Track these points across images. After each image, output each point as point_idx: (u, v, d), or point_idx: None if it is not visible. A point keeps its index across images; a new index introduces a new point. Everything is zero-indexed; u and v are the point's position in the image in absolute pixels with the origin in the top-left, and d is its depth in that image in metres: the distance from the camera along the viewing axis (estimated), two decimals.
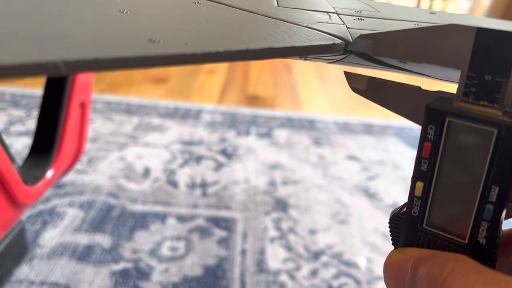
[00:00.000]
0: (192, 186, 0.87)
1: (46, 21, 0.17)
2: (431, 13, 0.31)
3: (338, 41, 0.21)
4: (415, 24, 0.25)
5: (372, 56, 0.21)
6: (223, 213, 0.80)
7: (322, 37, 0.21)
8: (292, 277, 0.67)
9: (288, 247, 0.73)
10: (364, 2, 0.32)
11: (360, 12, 0.27)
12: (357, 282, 0.67)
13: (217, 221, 0.78)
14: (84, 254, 0.67)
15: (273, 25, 0.22)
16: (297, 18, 0.24)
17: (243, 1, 0.26)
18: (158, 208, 0.79)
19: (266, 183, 0.90)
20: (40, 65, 0.13)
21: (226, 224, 0.77)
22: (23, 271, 0.63)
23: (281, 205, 0.84)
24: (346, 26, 0.23)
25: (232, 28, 0.20)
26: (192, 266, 0.67)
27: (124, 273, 0.65)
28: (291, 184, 0.91)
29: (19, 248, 0.64)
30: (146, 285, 0.63)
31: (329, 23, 0.23)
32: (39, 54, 0.14)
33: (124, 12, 0.20)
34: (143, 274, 0.65)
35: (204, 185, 0.88)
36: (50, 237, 0.70)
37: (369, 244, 0.75)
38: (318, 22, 0.23)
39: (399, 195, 0.91)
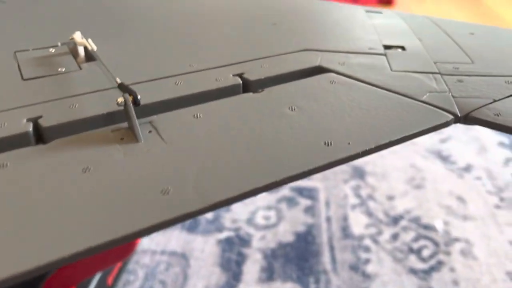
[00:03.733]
0: None
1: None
2: None
3: (450, 117, 0.29)
4: (506, 82, 0.33)
5: None
6: (305, 183, 0.91)
7: (438, 115, 0.29)
8: (375, 241, 0.77)
9: (369, 213, 0.83)
10: (456, 40, 0.39)
11: (458, 68, 0.34)
12: (436, 244, 0.77)
13: (300, 191, 0.89)
14: (192, 226, 0.81)
15: (398, 104, 0.30)
16: (411, 89, 0.32)
17: (365, 70, 0.34)
18: None
19: None
20: None
21: (309, 193, 0.88)
22: (145, 242, 0.78)
23: (359, 172, 0.93)
24: (452, 95, 0.31)
25: (371, 118, 0.29)
26: (285, 233, 0.80)
27: (228, 241, 0.78)
28: None
29: None
30: (249, 251, 0.76)
31: (437, 92, 0.32)
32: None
33: (293, 109, 0.30)
34: (245, 241, 0.78)
35: None
36: None
37: (445, 207, 0.84)
38: (429, 92, 0.32)
39: (471, 156, 0.97)
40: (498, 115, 0.29)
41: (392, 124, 0.28)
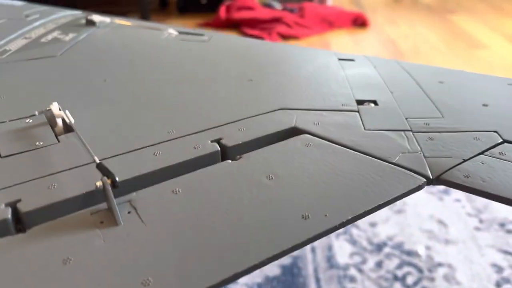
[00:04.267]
0: None
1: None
2: (509, 84, 0.40)
3: (423, 180, 0.30)
4: (475, 139, 0.34)
5: None
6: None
7: (410, 178, 0.30)
8: (360, 270, 0.78)
9: (353, 241, 0.84)
10: (428, 93, 0.40)
11: (429, 124, 0.36)
12: (419, 270, 0.78)
13: None
14: None
15: (372, 168, 0.31)
16: (384, 149, 0.33)
17: (339, 130, 0.35)
18: None
19: None
20: None
21: None
22: None
23: None
24: (424, 155, 0.32)
25: (346, 185, 0.30)
26: (271, 266, 0.80)
27: None
28: None
29: None
30: (234, 286, 0.76)
31: (409, 152, 0.33)
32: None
33: (271, 178, 0.30)
34: None
35: None
36: None
37: (426, 231, 0.86)
38: (402, 153, 0.33)
39: None
40: (467, 177, 0.30)
41: (366, 191, 0.29)
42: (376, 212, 0.90)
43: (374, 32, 2.02)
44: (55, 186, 0.29)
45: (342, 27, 2.07)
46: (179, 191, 0.29)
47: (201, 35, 0.62)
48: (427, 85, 0.43)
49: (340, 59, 0.50)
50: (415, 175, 0.31)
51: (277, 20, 1.99)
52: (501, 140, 0.34)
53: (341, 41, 1.92)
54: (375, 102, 0.40)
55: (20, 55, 0.50)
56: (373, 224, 0.88)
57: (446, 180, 0.30)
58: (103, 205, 0.28)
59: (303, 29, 1.97)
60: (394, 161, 0.32)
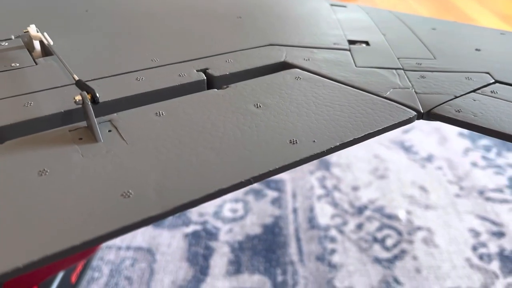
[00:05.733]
0: None
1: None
2: (501, 33, 0.39)
3: (413, 113, 0.29)
4: (467, 78, 0.33)
5: None
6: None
7: (401, 111, 0.29)
8: (341, 231, 0.79)
9: (334, 204, 0.84)
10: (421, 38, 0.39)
11: (421, 64, 0.35)
12: (399, 233, 0.79)
13: (268, 183, 0.89)
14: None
15: (362, 101, 0.30)
16: (375, 85, 0.32)
17: (330, 66, 0.34)
18: None
19: None
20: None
21: (276, 185, 0.89)
22: None
23: (324, 164, 0.94)
24: (415, 91, 0.32)
25: (336, 115, 0.29)
26: (252, 225, 0.80)
27: (195, 235, 0.77)
28: None
29: None
30: (216, 244, 0.76)
31: (401, 88, 0.32)
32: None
33: (259, 106, 0.29)
34: (212, 234, 0.78)
35: None
36: None
37: (408, 197, 0.86)
38: (393, 89, 0.32)
39: (433, 147, 1.00)
40: (459, 112, 0.29)
41: (356, 121, 0.28)
42: (359, 177, 0.90)
43: (365, 3, 2.01)
44: (32, 104, 0.28)
45: None
46: (162, 114, 0.28)
47: None
48: (420, 31, 0.42)
49: (332, 5, 0.48)
50: (406, 108, 0.30)
51: None
52: (493, 80, 0.33)
53: None
54: (367, 43, 0.39)
55: None
56: (355, 188, 0.88)
57: (437, 114, 0.30)
58: (83, 124, 0.27)
59: None
60: (385, 95, 0.31)
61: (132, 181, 0.23)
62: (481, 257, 0.73)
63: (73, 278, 0.68)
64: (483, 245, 0.76)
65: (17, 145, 0.25)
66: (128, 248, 0.75)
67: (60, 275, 0.65)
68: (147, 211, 0.21)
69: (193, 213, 0.82)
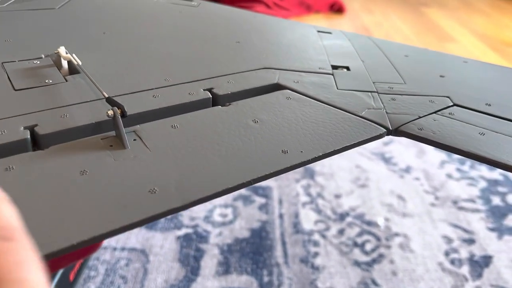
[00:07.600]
0: None
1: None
2: (464, 61, 0.46)
3: (383, 130, 0.36)
4: (430, 101, 0.40)
5: None
6: (260, 183, 0.97)
7: (373, 128, 0.36)
8: (323, 236, 0.85)
9: (318, 210, 0.91)
10: (393, 63, 0.46)
11: (392, 88, 0.42)
12: (377, 238, 0.85)
13: (256, 190, 0.95)
14: (151, 223, 0.86)
15: (342, 119, 0.37)
16: (353, 105, 0.39)
17: (316, 88, 0.41)
18: None
19: None
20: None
21: (264, 191, 0.95)
22: (105, 240, 0.82)
23: (309, 172, 1.01)
24: (386, 111, 0.38)
25: (320, 130, 0.36)
26: (241, 229, 0.86)
27: (186, 237, 0.83)
28: None
29: None
30: (206, 247, 0.82)
31: (374, 108, 0.39)
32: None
33: (256, 121, 0.36)
34: (202, 237, 0.84)
35: None
36: None
37: (387, 205, 0.93)
38: (367, 109, 0.39)
39: (411, 159, 1.08)
40: (421, 130, 0.36)
41: (336, 135, 0.35)
42: (341, 185, 0.98)
43: (350, 19, 2.10)
44: (67, 116, 0.34)
45: (319, 11, 2.13)
46: (177, 126, 0.34)
47: (190, 0, 0.67)
48: (394, 57, 0.49)
49: (319, 31, 0.55)
50: (378, 126, 0.37)
51: (256, 0, 2.03)
52: (452, 103, 0.40)
53: (318, 24, 1.97)
54: (347, 68, 0.46)
55: (20, 5, 0.53)
56: (338, 196, 0.95)
57: (403, 131, 0.36)
58: (112, 133, 0.33)
59: (282, 11, 2.02)
60: (361, 115, 0.38)
61: (156, 180, 0.29)
62: (452, 261, 0.80)
63: (71, 276, 0.73)
64: (455, 250, 0.83)
65: (60, 150, 0.31)
66: (123, 249, 0.80)
67: (59, 273, 0.70)
68: (170, 204, 0.27)
69: (185, 217, 0.88)
